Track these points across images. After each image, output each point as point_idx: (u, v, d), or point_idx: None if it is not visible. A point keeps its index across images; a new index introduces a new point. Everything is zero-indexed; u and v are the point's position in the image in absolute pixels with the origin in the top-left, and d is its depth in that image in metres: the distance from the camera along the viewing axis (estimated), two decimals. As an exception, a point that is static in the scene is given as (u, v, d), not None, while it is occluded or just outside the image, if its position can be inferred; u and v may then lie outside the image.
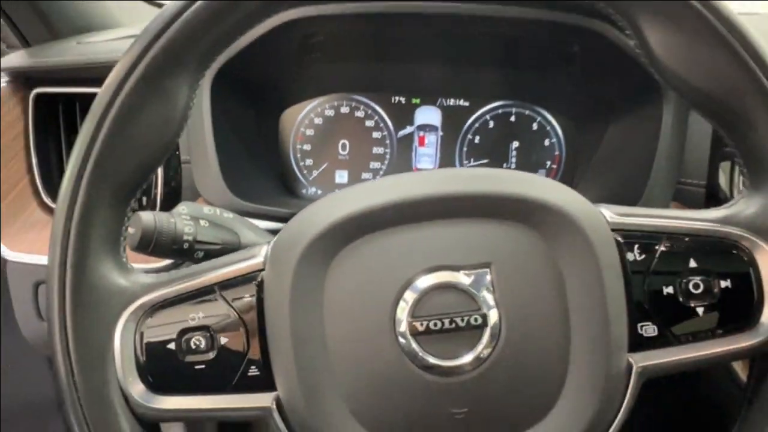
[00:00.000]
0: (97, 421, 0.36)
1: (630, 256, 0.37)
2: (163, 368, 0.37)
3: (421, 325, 0.35)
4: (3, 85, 0.65)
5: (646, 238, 0.37)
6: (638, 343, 0.36)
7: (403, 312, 0.35)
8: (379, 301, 0.35)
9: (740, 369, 0.62)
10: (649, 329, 0.37)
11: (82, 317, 0.36)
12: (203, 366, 0.37)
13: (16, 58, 0.65)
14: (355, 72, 0.76)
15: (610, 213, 0.38)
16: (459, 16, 0.63)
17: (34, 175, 0.66)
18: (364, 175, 0.81)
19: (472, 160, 0.80)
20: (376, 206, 0.36)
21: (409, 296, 0.35)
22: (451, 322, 0.35)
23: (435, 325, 0.35)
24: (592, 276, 0.35)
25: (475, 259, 0.36)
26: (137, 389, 0.37)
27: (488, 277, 0.35)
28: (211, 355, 0.37)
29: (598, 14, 0.60)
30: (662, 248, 0.37)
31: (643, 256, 0.37)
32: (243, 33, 0.39)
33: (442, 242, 0.36)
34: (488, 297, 0.35)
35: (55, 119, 0.68)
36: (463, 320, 0.35)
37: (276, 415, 0.36)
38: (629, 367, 0.36)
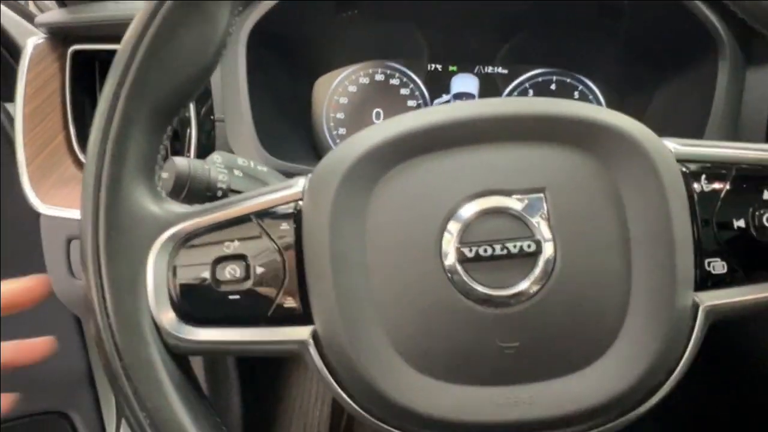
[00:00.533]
0: (128, 349, 0.35)
1: (697, 187, 0.34)
2: (196, 297, 0.36)
3: (470, 251, 0.33)
4: (40, 41, 0.65)
5: (714, 168, 0.35)
6: (706, 281, 0.34)
7: (451, 238, 0.33)
8: (426, 227, 0.33)
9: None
10: (717, 266, 0.34)
11: (115, 240, 0.35)
12: (238, 296, 0.36)
13: (54, 15, 0.65)
14: (390, 37, 0.74)
15: (674, 144, 0.35)
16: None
17: (70, 132, 0.65)
18: (398, 145, 0.79)
19: (509, 129, 0.77)
20: (421, 128, 0.34)
21: (458, 221, 0.33)
22: (502, 248, 0.32)
23: (485, 251, 0.33)
24: (656, 205, 0.33)
25: (529, 183, 0.33)
26: (169, 319, 0.36)
27: (543, 203, 0.33)
28: (247, 284, 0.35)
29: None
30: (732, 179, 0.34)
31: (712, 187, 0.34)
32: None
33: (492, 165, 0.34)
34: (543, 224, 0.33)
35: (91, 77, 0.67)
36: (515, 246, 0.32)
37: (313, 350, 0.35)
38: (695, 306, 0.33)
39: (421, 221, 0.33)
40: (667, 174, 0.33)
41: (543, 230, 0.33)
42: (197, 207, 0.38)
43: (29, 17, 0.70)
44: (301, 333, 0.35)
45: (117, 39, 0.67)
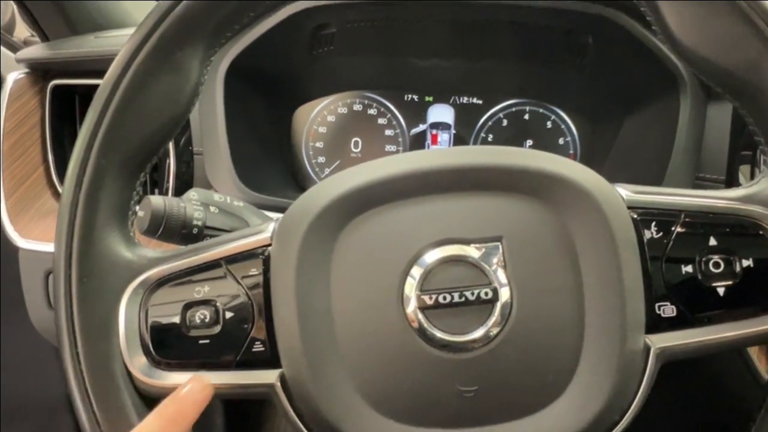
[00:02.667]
0: (99, 394, 0.35)
1: (647, 234, 0.36)
2: (167, 342, 0.37)
3: (430, 298, 0.34)
4: (21, 76, 0.66)
5: (663, 216, 0.36)
6: (656, 324, 0.35)
7: (411, 286, 0.34)
8: (387, 275, 0.35)
9: (760, 363, 0.60)
10: (667, 309, 0.35)
11: (87, 286, 0.36)
12: (207, 341, 0.36)
13: (35, 51, 0.66)
14: (367, 69, 0.76)
15: (626, 191, 0.37)
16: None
17: (49, 165, 0.66)
18: (376, 173, 0.80)
19: (485, 158, 0.79)
20: (384, 179, 0.36)
21: (418, 270, 0.35)
22: (460, 296, 0.34)
23: (444, 298, 0.34)
24: (607, 252, 0.34)
25: (486, 233, 0.35)
26: (140, 363, 0.36)
27: (499, 251, 0.35)
28: (216, 329, 0.36)
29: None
30: (680, 226, 0.36)
31: (661, 234, 0.36)
32: (254, 10, 0.39)
33: (451, 215, 0.35)
34: (499, 271, 0.34)
35: (71, 111, 0.68)
36: (473, 294, 0.34)
37: (280, 393, 0.35)
38: (647, 348, 0.35)
39: (384, 269, 0.35)
40: (618, 222, 0.35)
41: (500, 277, 0.34)
42: (169, 252, 0.39)
43: (14, 49, 0.71)
44: (269, 376, 0.36)
45: (96, 74, 0.69)
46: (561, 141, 0.77)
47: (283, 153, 0.79)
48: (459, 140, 0.79)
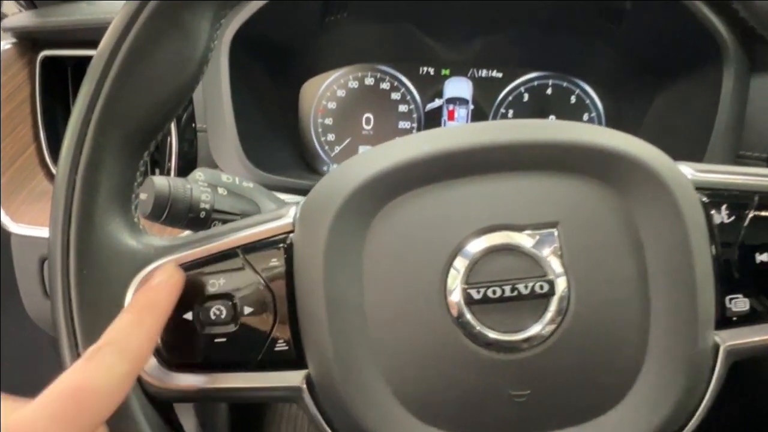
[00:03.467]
0: None
1: (717, 218, 0.32)
2: (179, 341, 0.33)
3: (478, 292, 0.30)
4: (7, 47, 0.61)
5: (735, 198, 0.32)
6: (726, 319, 0.31)
7: (456, 278, 0.30)
8: (428, 265, 0.31)
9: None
10: (739, 303, 0.31)
11: (87, 280, 0.32)
12: (224, 339, 0.33)
13: (22, 18, 0.60)
14: (380, 39, 0.71)
15: (690, 170, 0.33)
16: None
17: (41, 143, 0.62)
18: (389, 152, 0.76)
19: (504, 135, 0.74)
20: (424, 157, 0.31)
21: (463, 260, 0.31)
22: (512, 290, 0.30)
23: (494, 292, 0.30)
24: (676, 239, 0.30)
25: (540, 218, 0.31)
26: (149, 365, 0.33)
27: (555, 239, 0.31)
28: (233, 326, 0.33)
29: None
30: (755, 209, 0.32)
31: (733, 218, 0.32)
32: None
33: (500, 198, 0.31)
34: (555, 261, 0.30)
35: (63, 84, 0.63)
36: (526, 287, 0.30)
37: (307, 396, 0.32)
38: (716, 346, 0.31)
39: (424, 259, 0.31)
40: (687, 205, 0.31)
41: (556, 269, 0.30)
42: (178, 239, 0.35)
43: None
44: (293, 378, 0.32)
45: (89, 44, 0.63)
46: (585, 117, 0.73)
47: (289, 130, 0.74)
48: (477, 116, 0.74)
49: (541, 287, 0.30)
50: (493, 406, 0.30)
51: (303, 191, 0.62)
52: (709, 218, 0.32)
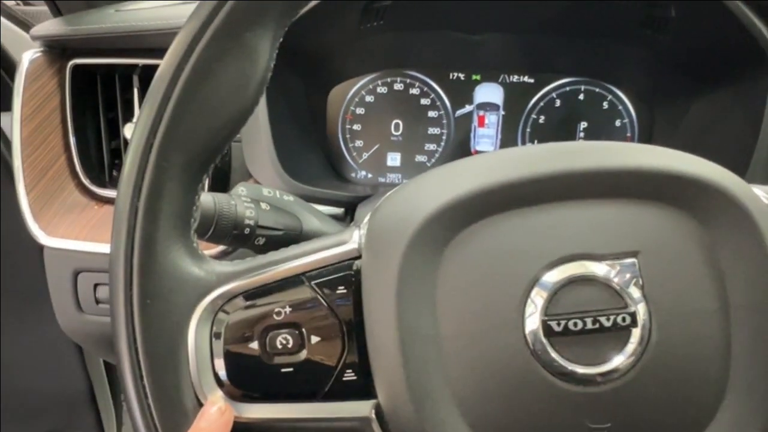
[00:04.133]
0: (169, 430, 0.31)
1: None
2: (245, 371, 0.32)
3: (558, 324, 0.29)
4: (36, 55, 0.59)
5: None
6: None
7: (535, 309, 0.30)
8: (505, 296, 0.30)
9: None
10: None
11: (151, 309, 0.31)
12: (291, 369, 0.32)
13: (51, 26, 0.59)
14: (411, 45, 0.70)
15: (763, 193, 0.32)
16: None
17: (72, 154, 0.60)
18: (418, 158, 0.75)
19: (536, 142, 0.74)
20: (501, 184, 0.30)
21: (541, 291, 0.30)
22: (594, 322, 0.29)
23: (575, 325, 0.29)
24: (759, 269, 0.30)
25: (620, 247, 0.30)
26: (214, 396, 0.32)
27: (636, 269, 0.30)
28: (302, 356, 0.32)
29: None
30: None
31: None
32: None
33: (579, 227, 0.30)
34: (636, 292, 0.30)
35: (92, 94, 0.62)
36: (608, 319, 0.29)
37: (376, 427, 0.31)
38: None
39: (500, 289, 0.30)
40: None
41: (637, 300, 0.30)
42: (241, 264, 0.34)
43: (27, 27, 0.64)
44: (362, 408, 0.32)
45: (120, 52, 0.62)
46: (618, 123, 0.72)
47: (318, 136, 0.73)
48: (508, 122, 0.73)
49: (624, 319, 0.29)
50: None
51: (336, 202, 0.62)
52: None
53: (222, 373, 0.32)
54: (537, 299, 0.30)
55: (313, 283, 0.32)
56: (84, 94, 0.62)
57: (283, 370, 0.32)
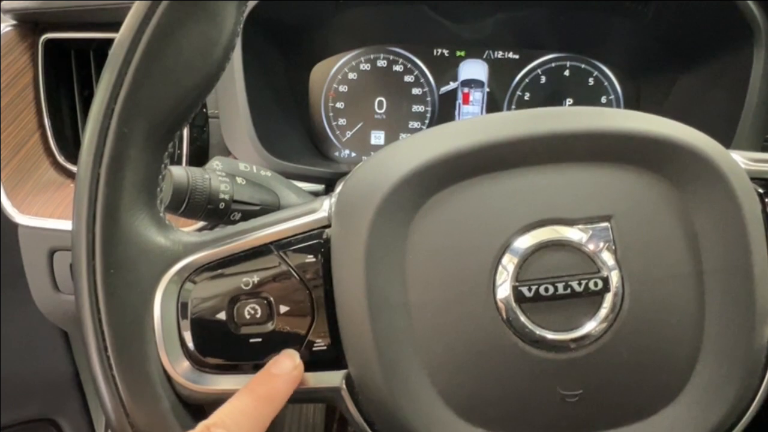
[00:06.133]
0: (135, 403, 0.30)
1: None
2: (212, 342, 0.32)
3: (529, 290, 0.29)
4: (7, 29, 0.58)
5: None
6: None
7: (505, 275, 0.29)
8: (476, 262, 0.29)
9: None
10: None
11: (114, 279, 0.30)
12: (259, 339, 0.31)
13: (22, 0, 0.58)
14: (394, 20, 0.69)
15: (742, 159, 0.32)
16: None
17: (46, 131, 0.59)
18: (403, 136, 0.74)
19: (521, 118, 0.73)
20: (469, 148, 0.30)
21: (512, 256, 0.29)
22: (566, 287, 0.29)
23: (546, 290, 0.29)
24: (733, 232, 0.29)
25: (593, 211, 0.29)
26: (181, 367, 0.31)
27: (609, 233, 0.29)
28: (270, 326, 0.31)
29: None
30: None
31: None
32: None
33: (551, 191, 0.30)
34: (609, 257, 0.29)
35: (66, 69, 0.61)
36: (580, 284, 0.29)
37: (347, 397, 0.31)
38: None
39: (471, 255, 0.29)
40: (744, 196, 0.29)
41: (610, 265, 0.29)
42: (208, 235, 0.33)
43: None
44: (332, 378, 0.31)
45: (94, 26, 0.61)
46: (603, 99, 0.71)
47: (300, 114, 0.72)
48: (493, 99, 0.72)
49: (596, 284, 0.29)
50: (544, 407, 0.29)
51: (317, 179, 0.61)
52: (765, 209, 0.30)
53: (189, 343, 0.31)
54: (508, 265, 0.29)
55: (281, 252, 0.32)
56: (59, 70, 0.60)
57: (252, 340, 0.31)
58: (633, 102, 0.71)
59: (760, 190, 0.31)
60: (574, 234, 0.29)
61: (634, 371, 0.29)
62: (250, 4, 0.55)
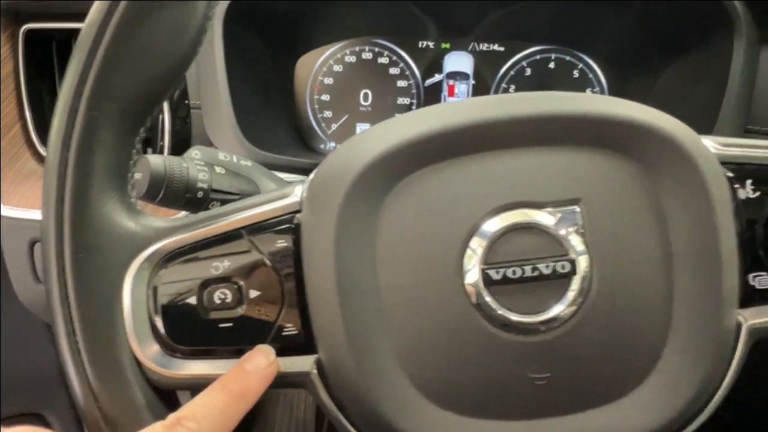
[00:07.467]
0: (104, 388, 0.30)
1: (742, 194, 0.31)
2: (182, 327, 0.31)
3: (497, 273, 0.29)
4: (-12, 19, 0.58)
5: (759, 172, 0.31)
6: (750, 297, 0.31)
7: (474, 257, 0.29)
8: (445, 245, 0.29)
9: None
10: (763, 280, 0.31)
11: (83, 264, 0.30)
12: (230, 324, 0.31)
13: (3, -11, 0.57)
14: (378, 12, 0.69)
15: (713, 143, 0.32)
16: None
17: (27, 122, 0.59)
18: (388, 129, 0.74)
19: (506, 111, 0.73)
20: (438, 131, 0.30)
21: (481, 239, 0.29)
22: (533, 270, 0.29)
23: (513, 273, 0.29)
24: (702, 215, 0.29)
25: (562, 194, 0.29)
26: (151, 352, 0.31)
27: (577, 216, 0.29)
28: (240, 311, 0.31)
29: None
30: None
31: (758, 194, 0.31)
32: None
33: (520, 174, 0.30)
34: (577, 240, 0.29)
35: (48, 60, 0.60)
36: (548, 267, 0.29)
37: (317, 381, 0.31)
38: (739, 325, 0.30)
39: (439, 239, 0.29)
40: (713, 180, 0.30)
41: (578, 247, 0.29)
42: (179, 221, 0.33)
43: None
44: (303, 363, 0.31)
45: (75, 16, 0.60)
46: (588, 91, 0.71)
47: (286, 106, 0.72)
48: (478, 91, 0.72)
49: (563, 267, 0.29)
50: (512, 390, 0.29)
51: (301, 170, 0.61)
52: (734, 194, 0.30)
53: (159, 328, 0.31)
54: (477, 248, 0.29)
55: (252, 237, 0.32)
56: (40, 60, 0.60)
57: (222, 325, 0.31)
58: (618, 93, 0.71)
59: (730, 174, 0.31)
60: (542, 217, 0.29)
61: (602, 354, 0.29)
62: (231, -6, 0.55)
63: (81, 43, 0.30)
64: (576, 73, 0.71)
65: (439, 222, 0.30)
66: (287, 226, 0.32)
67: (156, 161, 0.42)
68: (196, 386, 0.32)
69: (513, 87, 0.72)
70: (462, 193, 0.30)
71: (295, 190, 0.33)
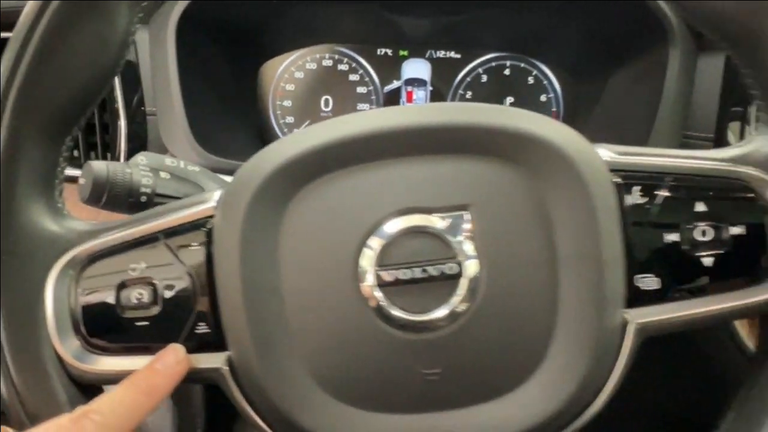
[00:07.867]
0: (27, 383, 0.32)
1: (629, 199, 0.32)
2: (101, 325, 0.33)
3: (389, 274, 0.31)
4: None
5: (647, 179, 0.33)
6: (635, 298, 0.32)
7: (368, 260, 0.31)
8: (341, 249, 0.31)
9: (746, 335, 0.58)
10: (648, 281, 0.32)
11: (8, 266, 0.32)
12: (146, 322, 0.33)
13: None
14: (338, 20, 0.70)
15: (608, 152, 0.33)
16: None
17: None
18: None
19: (463, 116, 0.75)
20: (338, 141, 0.31)
21: (376, 242, 0.31)
22: (422, 271, 0.30)
23: (404, 274, 0.30)
24: (585, 221, 0.31)
25: (451, 201, 0.31)
26: (72, 348, 0.33)
27: (466, 221, 0.31)
28: (155, 310, 0.33)
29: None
30: (665, 190, 0.33)
31: (645, 199, 0.32)
32: None
33: (412, 181, 0.31)
34: (466, 243, 0.31)
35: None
36: (436, 269, 0.30)
37: (228, 377, 0.32)
38: (624, 324, 0.32)
39: (337, 242, 0.31)
40: (597, 187, 0.31)
41: (466, 251, 0.31)
42: (101, 225, 0.35)
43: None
44: (215, 360, 0.33)
45: (6, 27, 0.62)
46: (543, 98, 0.73)
47: (248, 113, 0.74)
48: (436, 97, 0.74)
49: (450, 269, 0.30)
50: (405, 385, 0.31)
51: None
52: (621, 199, 0.32)
53: (80, 326, 0.33)
54: (371, 251, 0.31)
55: (168, 240, 0.33)
56: None
57: (138, 323, 0.33)
58: (571, 100, 0.73)
59: (619, 181, 0.32)
60: (433, 222, 0.31)
61: (490, 351, 0.31)
62: (182, 4, 0.57)
63: (6, 57, 0.32)
64: (531, 80, 0.73)
65: (338, 226, 0.31)
66: (201, 230, 0.33)
67: (99, 167, 0.44)
68: (114, 381, 0.34)
69: (470, 93, 0.74)
70: (358, 199, 0.31)
71: (214, 196, 0.35)
